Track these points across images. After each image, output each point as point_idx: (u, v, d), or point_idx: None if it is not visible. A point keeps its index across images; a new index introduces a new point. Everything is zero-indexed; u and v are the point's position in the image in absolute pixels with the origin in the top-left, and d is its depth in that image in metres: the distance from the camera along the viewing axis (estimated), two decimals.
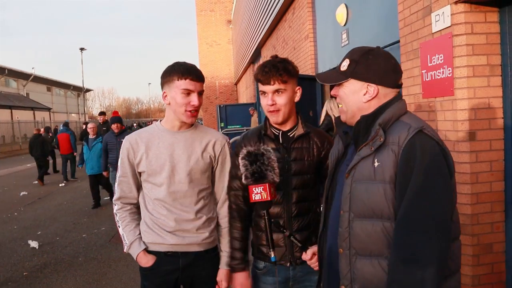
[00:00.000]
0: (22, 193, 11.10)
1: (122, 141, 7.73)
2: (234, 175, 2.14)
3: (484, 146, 3.04)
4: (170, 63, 2.13)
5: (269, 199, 1.78)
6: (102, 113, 11.51)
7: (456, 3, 3.01)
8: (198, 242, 2.17)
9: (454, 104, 3.08)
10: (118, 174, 2.19)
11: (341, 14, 6.10)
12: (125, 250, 2.19)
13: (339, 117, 1.69)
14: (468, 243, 3.04)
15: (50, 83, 47.92)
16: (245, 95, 23.91)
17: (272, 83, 1.96)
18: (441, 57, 3.19)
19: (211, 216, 2.22)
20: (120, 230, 2.21)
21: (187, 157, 2.12)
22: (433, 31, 3.30)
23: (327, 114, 6.58)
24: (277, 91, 1.97)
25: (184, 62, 2.09)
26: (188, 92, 2.02)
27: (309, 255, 1.87)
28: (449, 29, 3.09)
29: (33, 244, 6.20)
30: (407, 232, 1.37)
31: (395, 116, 1.51)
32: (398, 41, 4.00)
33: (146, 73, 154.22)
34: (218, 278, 2.21)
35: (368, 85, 1.55)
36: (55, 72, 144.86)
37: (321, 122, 6.52)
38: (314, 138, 2.07)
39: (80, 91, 50.61)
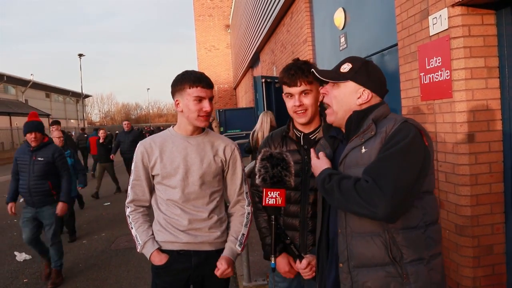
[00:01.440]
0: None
1: (39, 160, 4.83)
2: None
3: (483, 148, 3.05)
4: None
5: (283, 205, 1.79)
6: (55, 123, 8.35)
7: (453, 6, 3.02)
8: (210, 241, 2.25)
9: (453, 106, 3.09)
10: (131, 178, 2.29)
11: (339, 18, 6.12)
12: (138, 250, 2.26)
13: (325, 124, 1.79)
14: (468, 245, 3.04)
15: (49, 90, 47.92)
16: (244, 100, 23.94)
17: (298, 84, 2.02)
18: (439, 59, 3.21)
19: (222, 217, 2.32)
20: (133, 231, 2.28)
21: (200, 160, 2.22)
22: (430, 34, 3.31)
23: (256, 131, 5.86)
24: (303, 92, 2.03)
25: (193, 71, 2.19)
26: (200, 99, 2.12)
27: (304, 265, 1.91)
28: (447, 32, 3.10)
29: (22, 257, 5.95)
30: (365, 179, 1.51)
31: (384, 114, 1.67)
32: (396, 44, 4.02)
33: (145, 78, 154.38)
34: (218, 262, 2.22)
35: (363, 89, 1.69)
36: (53, 79, 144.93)
37: (251, 138, 5.87)
38: None
39: (79, 97, 50.61)
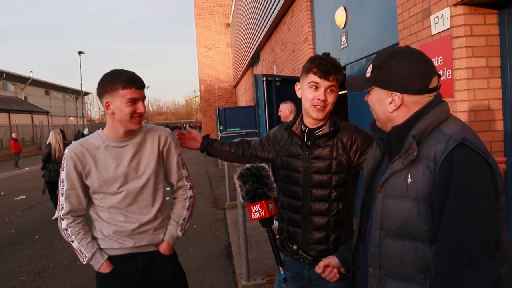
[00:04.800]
0: (20, 197, 11.06)
1: None
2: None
3: None
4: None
5: (267, 216, 1.79)
6: None
7: (455, 5, 3.00)
8: (155, 243, 2.24)
9: (454, 106, 3.07)
10: (64, 188, 2.12)
11: (340, 16, 6.10)
12: (84, 263, 2.16)
13: (374, 121, 1.57)
14: None
15: (48, 87, 47.84)
16: (244, 98, 23.92)
17: (331, 79, 1.95)
18: (440, 59, 3.19)
19: (166, 216, 2.30)
20: (75, 245, 2.15)
21: (137, 163, 2.15)
22: (432, 34, 3.30)
23: (49, 143, 7.90)
24: (330, 88, 1.97)
25: (124, 70, 2.07)
26: (134, 101, 2.02)
27: (321, 268, 1.82)
28: (449, 31, 3.09)
29: None
30: (449, 259, 1.22)
31: (433, 125, 1.35)
32: (397, 44, 4.00)
33: (144, 76, 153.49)
34: (159, 246, 2.25)
35: (392, 93, 1.40)
36: (53, 76, 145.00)
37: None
38: (341, 137, 2.02)
39: (79, 94, 50.54)
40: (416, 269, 1.33)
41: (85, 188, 2.16)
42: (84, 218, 2.22)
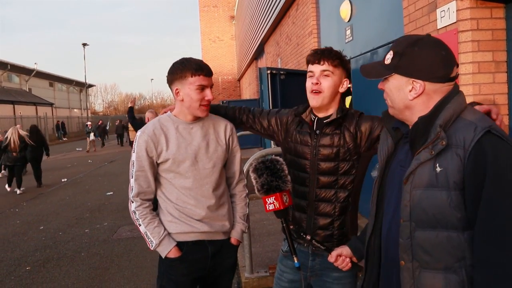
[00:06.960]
0: (23, 188, 11.11)
1: None
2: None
3: None
4: (174, 58, 2.17)
5: (281, 208, 1.84)
6: None
7: None
8: (223, 231, 2.27)
9: None
10: (134, 169, 2.16)
11: (345, 10, 6.06)
12: (152, 249, 2.15)
13: (386, 110, 1.56)
14: None
15: (52, 79, 47.85)
16: (248, 91, 23.89)
17: (322, 63, 1.96)
18: None
19: (229, 202, 2.33)
20: (142, 229, 2.14)
21: (206, 144, 2.20)
22: (438, 27, 3.28)
23: (8, 137, 10.28)
24: (324, 72, 1.97)
25: (193, 58, 2.14)
26: (202, 88, 2.09)
27: (334, 257, 1.86)
28: (455, 25, 3.07)
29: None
30: (492, 246, 1.23)
31: (456, 114, 1.35)
32: None
33: (149, 68, 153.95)
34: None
35: (413, 81, 1.39)
36: (57, 68, 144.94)
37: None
38: (347, 125, 2.02)
39: (83, 86, 50.58)
40: (451, 258, 1.32)
41: (154, 170, 2.18)
42: (151, 203, 2.21)
